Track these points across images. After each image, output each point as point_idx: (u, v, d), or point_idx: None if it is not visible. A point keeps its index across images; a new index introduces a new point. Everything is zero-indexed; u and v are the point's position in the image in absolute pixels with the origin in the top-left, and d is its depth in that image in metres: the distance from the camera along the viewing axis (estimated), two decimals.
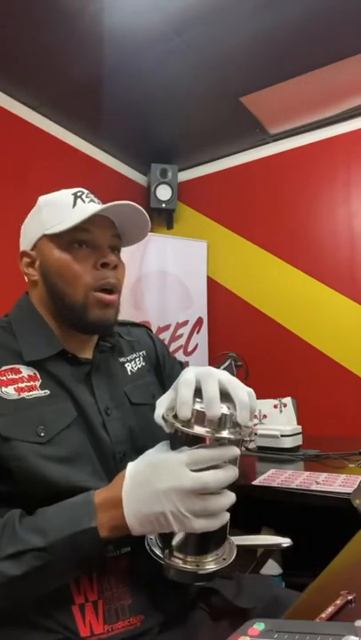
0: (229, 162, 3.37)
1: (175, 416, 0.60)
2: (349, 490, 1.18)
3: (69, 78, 2.48)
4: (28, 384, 0.73)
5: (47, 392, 0.73)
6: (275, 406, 1.97)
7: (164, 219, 3.54)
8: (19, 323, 0.80)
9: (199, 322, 3.25)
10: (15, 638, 0.66)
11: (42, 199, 0.83)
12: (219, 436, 0.58)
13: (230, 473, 0.59)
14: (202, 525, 0.58)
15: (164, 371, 0.96)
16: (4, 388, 0.70)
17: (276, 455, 1.68)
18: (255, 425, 1.87)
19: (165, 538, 0.63)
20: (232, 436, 0.58)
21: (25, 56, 2.31)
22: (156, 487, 0.58)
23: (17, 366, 0.74)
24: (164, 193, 3.31)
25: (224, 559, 0.64)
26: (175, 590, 0.74)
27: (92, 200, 0.82)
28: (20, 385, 0.72)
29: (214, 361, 2.34)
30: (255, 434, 1.79)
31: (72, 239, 0.77)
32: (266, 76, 2.52)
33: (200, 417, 0.58)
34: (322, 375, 2.87)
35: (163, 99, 2.71)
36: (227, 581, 0.83)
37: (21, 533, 0.61)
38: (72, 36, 2.20)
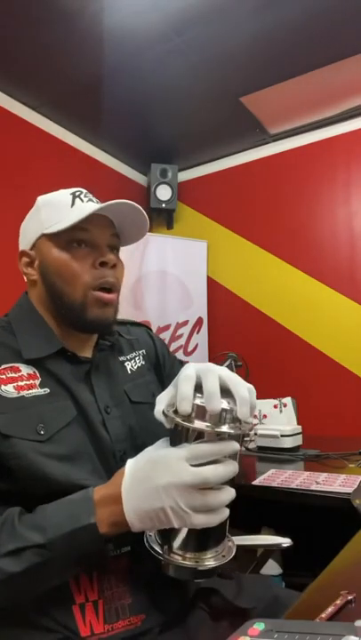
0: (229, 162, 3.37)
1: (175, 411, 0.60)
2: (349, 490, 1.18)
3: (69, 78, 2.48)
4: (28, 382, 0.73)
5: (47, 390, 0.73)
6: (275, 406, 1.97)
7: (164, 219, 3.54)
8: (18, 322, 0.80)
9: (199, 322, 3.25)
10: (15, 638, 0.66)
11: (40, 199, 0.84)
12: (219, 430, 0.58)
13: (230, 468, 0.60)
14: (202, 521, 0.58)
15: (163, 370, 0.96)
16: (3, 387, 0.70)
17: (276, 455, 1.68)
18: (255, 425, 1.87)
19: (165, 534, 0.63)
20: (232, 431, 0.59)
21: (25, 56, 2.31)
22: (156, 483, 0.58)
23: (16, 365, 0.74)
24: (164, 193, 3.32)
25: (223, 556, 0.64)
26: (175, 590, 0.74)
27: (90, 199, 0.82)
28: (20, 383, 0.72)
29: (214, 361, 2.33)
30: (255, 434, 1.79)
31: (71, 238, 0.77)
32: (266, 76, 2.52)
33: (200, 412, 0.58)
34: (322, 375, 2.87)
35: (163, 99, 2.71)
36: (227, 581, 0.83)
37: (21, 530, 0.61)
38: (72, 36, 2.20)
